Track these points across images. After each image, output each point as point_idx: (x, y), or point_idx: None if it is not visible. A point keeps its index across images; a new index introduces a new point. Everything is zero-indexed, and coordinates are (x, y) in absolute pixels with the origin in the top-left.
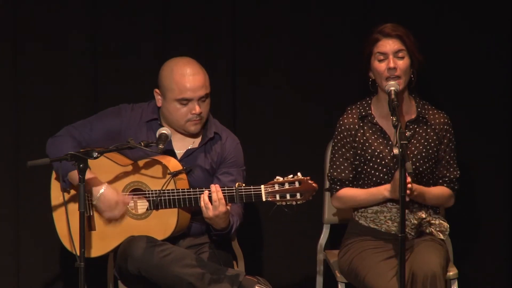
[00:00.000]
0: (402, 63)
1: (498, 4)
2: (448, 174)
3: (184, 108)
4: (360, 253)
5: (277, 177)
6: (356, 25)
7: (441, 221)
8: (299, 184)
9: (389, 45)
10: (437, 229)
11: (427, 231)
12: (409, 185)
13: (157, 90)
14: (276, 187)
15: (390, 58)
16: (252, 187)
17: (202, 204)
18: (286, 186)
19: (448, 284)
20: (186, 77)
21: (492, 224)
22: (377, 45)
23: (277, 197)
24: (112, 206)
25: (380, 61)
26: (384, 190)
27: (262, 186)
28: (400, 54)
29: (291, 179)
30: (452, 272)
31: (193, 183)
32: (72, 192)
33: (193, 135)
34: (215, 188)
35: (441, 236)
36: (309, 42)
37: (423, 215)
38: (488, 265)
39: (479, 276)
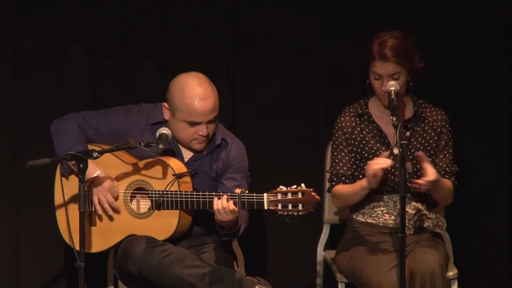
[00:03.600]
0: (398, 82)
1: (498, 4)
2: (448, 169)
3: (191, 128)
4: (357, 249)
5: (281, 186)
6: (357, 25)
7: (437, 216)
8: (302, 195)
9: (385, 69)
10: (434, 223)
11: (424, 225)
12: (431, 178)
13: (165, 104)
14: (279, 196)
15: (385, 80)
16: (255, 194)
17: (215, 208)
18: (289, 196)
19: (448, 284)
20: (197, 101)
21: (492, 224)
22: (374, 64)
23: (279, 206)
24: (104, 189)
25: (376, 79)
26: (362, 181)
27: (265, 194)
28: (396, 76)
29: (294, 189)
30: (452, 272)
31: (198, 189)
32: (74, 190)
33: (189, 149)
34: (226, 204)
35: (438, 230)
36: (309, 43)
37: (419, 206)
38: (488, 265)
39: (479, 276)
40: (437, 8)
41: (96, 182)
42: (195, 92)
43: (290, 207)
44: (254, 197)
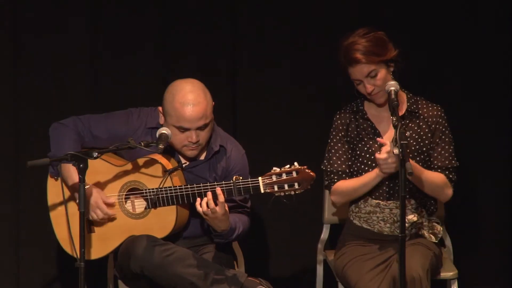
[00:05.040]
0: (378, 79)
1: (498, 4)
2: (441, 164)
3: (181, 134)
4: (352, 259)
5: (274, 168)
6: (356, 24)
7: (434, 224)
8: (297, 173)
9: (358, 72)
10: (430, 231)
11: (420, 233)
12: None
13: (160, 108)
14: (274, 178)
15: (365, 83)
16: (249, 180)
17: (200, 210)
18: (284, 176)
19: (448, 284)
20: (185, 107)
21: (492, 224)
22: (348, 71)
23: (275, 188)
24: (92, 205)
25: (358, 84)
26: (374, 170)
27: (260, 178)
28: (372, 73)
29: (288, 169)
30: (452, 272)
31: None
32: (69, 193)
33: (191, 159)
34: (210, 196)
35: (433, 239)
36: (309, 43)
37: (415, 218)
38: (488, 265)
39: (479, 276)
40: (437, 7)
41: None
42: (185, 97)
43: (286, 187)
44: (250, 183)
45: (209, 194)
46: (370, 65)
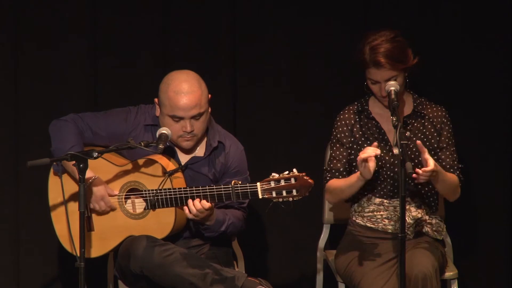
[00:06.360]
0: (396, 82)
1: (498, 4)
2: (453, 163)
3: (176, 124)
4: (356, 257)
5: (273, 174)
6: (356, 25)
7: (437, 221)
8: (295, 180)
9: (380, 75)
10: (433, 228)
11: (424, 230)
12: (430, 168)
13: (156, 99)
14: (272, 184)
15: (382, 86)
16: (248, 184)
17: (189, 216)
18: (282, 182)
19: (448, 284)
20: (179, 95)
21: (492, 224)
22: (369, 70)
23: (273, 194)
24: (97, 197)
25: (373, 84)
26: (357, 172)
27: (258, 184)
28: (392, 79)
29: (287, 175)
30: (452, 272)
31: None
32: (70, 191)
33: (187, 151)
34: (192, 204)
35: (437, 236)
36: (309, 42)
37: (419, 215)
38: (488, 265)
39: (479, 276)
40: (437, 8)
41: (89, 189)
42: (179, 86)
43: (284, 193)
44: (248, 188)
45: (190, 201)
46: (393, 71)
